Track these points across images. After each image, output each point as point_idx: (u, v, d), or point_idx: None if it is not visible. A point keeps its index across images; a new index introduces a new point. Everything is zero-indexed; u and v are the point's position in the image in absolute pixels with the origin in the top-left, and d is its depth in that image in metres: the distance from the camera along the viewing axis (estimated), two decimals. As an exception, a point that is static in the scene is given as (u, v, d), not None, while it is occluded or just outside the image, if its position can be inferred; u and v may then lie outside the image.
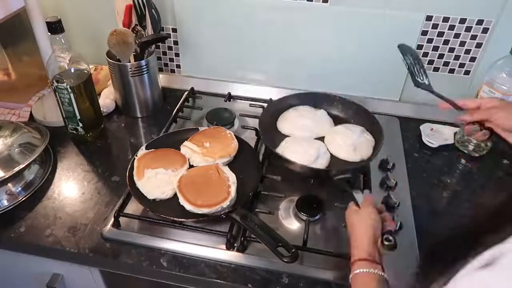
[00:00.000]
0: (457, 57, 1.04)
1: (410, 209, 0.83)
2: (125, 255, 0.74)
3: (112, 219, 0.78)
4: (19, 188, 0.85)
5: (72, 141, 0.99)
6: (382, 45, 1.04)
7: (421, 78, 0.84)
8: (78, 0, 1.15)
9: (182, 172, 0.82)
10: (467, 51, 1.02)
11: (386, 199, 0.83)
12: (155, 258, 0.73)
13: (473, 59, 1.03)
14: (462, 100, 0.76)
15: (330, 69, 1.12)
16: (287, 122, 0.97)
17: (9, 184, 0.84)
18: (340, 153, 0.90)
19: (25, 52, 1.14)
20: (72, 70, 0.90)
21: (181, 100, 1.13)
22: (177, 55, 1.19)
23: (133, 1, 1.01)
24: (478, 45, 1.01)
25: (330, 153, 0.90)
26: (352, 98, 1.01)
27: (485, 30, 0.98)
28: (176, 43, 1.17)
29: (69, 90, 0.89)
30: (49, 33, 0.86)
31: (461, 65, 1.05)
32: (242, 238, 0.74)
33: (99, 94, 1.09)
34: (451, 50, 1.03)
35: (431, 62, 1.05)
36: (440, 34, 1.01)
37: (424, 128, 1.03)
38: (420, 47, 1.04)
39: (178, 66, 1.22)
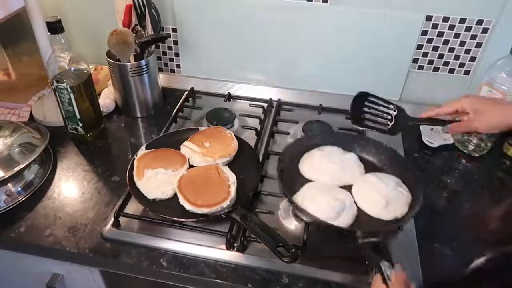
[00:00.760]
0: (457, 57, 1.04)
1: (410, 209, 0.82)
2: (125, 255, 0.74)
3: (112, 219, 0.78)
4: (19, 188, 0.85)
5: (72, 141, 0.99)
6: (382, 45, 1.04)
7: (391, 119, 0.78)
8: (78, 0, 1.15)
9: (182, 172, 0.82)
10: (467, 51, 1.02)
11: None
12: (155, 258, 0.73)
13: (473, 59, 1.03)
14: (438, 109, 0.78)
15: (330, 69, 1.12)
16: (310, 164, 0.85)
17: (9, 184, 0.84)
18: (369, 208, 0.77)
19: (25, 52, 1.14)
20: (72, 70, 0.90)
21: (181, 100, 1.13)
22: (177, 55, 1.19)
23: (133, 1, 1.01)
24: (478, 45, 1.01)
25: (357, 206, 0.78)
26: (352, 98, 1.00)
27: (485, 30, 0.98)
28: (176, 43, 1.17)
29: (69, 90, 0.89)
30: (49, 33, 0.86)
31: (461, 65, 1.05)
32: (242, 238, 0.74)
33: (99, 94, 1.09)
34: (451, 50, 1.03)
35: (431, 62, 1.05)
36: (440, 34, 1.01)
37: (424, 128, 1.03)
38: (420, 47, 1.04)
39: (178, 66, 1.22)
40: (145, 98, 1.07)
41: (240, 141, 0.91)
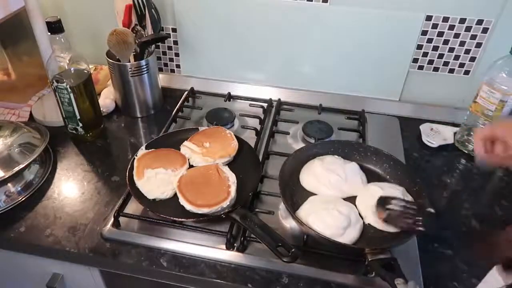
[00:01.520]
0: (457, 57, 1.04)
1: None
2: (125, 255, 0.74)
3: (112, 219, 0.78)
4: (19, 188, 0.85)
5: (72, 141, 0.99)
6: (382, 45, 1.04)
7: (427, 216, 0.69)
8: (78, 0, 1.15)
9: (182, 172, 0.82)
10: (467, 51, 1.02)
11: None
12: (155, 258, 0.73)
13: (473, 59, 1.03)
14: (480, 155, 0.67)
15: (330, 69, 1.12)
16: (311, 176, 0.83)
17: (9, 184, 0.84)
18: (375, 221, 0.74)
19: (25, 52, 1.14)
20: (72, 70, 0.90)
21: (181, 100, 1.13)
22: (177, 55, 1.19)
23: (133, 1, 1.01)
24: (478, 45, 1.01)
25: (362, 219, 0.75)
26: (352, 98, 1.00)
27: (485, 30, 0.98)
28: (176, 43, 1.17)
29: (69, 90, 0.89)
30: (49, 33, 0.86)
31: (461, 65, 1.05)
32: (242, 238, 0.74)
33: (99, 94, 1.09)
34: (451, 50, 1.03)
35: (431, 62, 1.05)
36: (440, 34, 1.01)
37: (424, 128, 1.03)
38: (420, 47, 1.04)
39: (178, 66, 1.22)
40: (145, 98, 1.07)
41: (240, 141, 0.91)
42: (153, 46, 1.06)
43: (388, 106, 1.11)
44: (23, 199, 0.83)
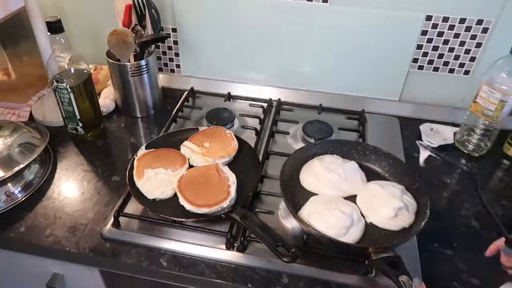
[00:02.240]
0: (457, 57, 1.04)
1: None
2: (125, 255, 0.74)
3: (112, 219, 0.78)
4: (19, 188, 0.85)
5: (72, 141, 0.99)
6: (382, 45, 1.04)
7: None
8: (78, 0, 1.15)
9: (182, 172, 0.82)
10: (467, 51, 1.02)
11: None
12: (155, 258, 0.73)
13: (472, 59, 1.03)
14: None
15: (330, 69, 1.12)
16: (311, 176, 0.82)
17: (9, 184, 0.84)
18: (377, 219, 0.75)
19: (25, 52, 1.14)
20: (72, 70, 0.90)
21: (181, 100, 1.13)
22: (177, 55, 1.19)
23: (133, 1, 1.01)
24: (478, 45, 1.01)
25: (364, 218, 0.75)
26: (352, 98, 1.00)
27: (485, 30, 0.98)
28: (176, 43, 1.17)
29: (69, 90, 0.89)
30: (49, 33, 0.86)
31: (461, 65, 1.05)
32: (242, 238, 0.74)
33: (99, 94, 1.09)
34: (451, 50, 1.03)
35: (431, 62, 1.05)
36: (440, 34, 1.01)
37: (424, 128, 1.03)
38: (420, 47, 1.04)
39: (178, 66, 1.22)
40: (145, 98, 1.07)
41: (240, 141, 0.91)
42: (153, 46, 1.06)
43: (388, 106, 1.11)
44: (23, 199, 0.83)
